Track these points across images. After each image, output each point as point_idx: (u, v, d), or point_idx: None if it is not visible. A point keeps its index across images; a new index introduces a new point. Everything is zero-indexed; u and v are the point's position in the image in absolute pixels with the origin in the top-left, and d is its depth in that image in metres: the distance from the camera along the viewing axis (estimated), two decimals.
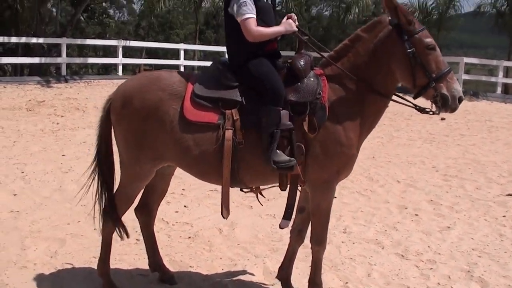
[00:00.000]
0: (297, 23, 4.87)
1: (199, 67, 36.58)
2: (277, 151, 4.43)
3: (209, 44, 56.52)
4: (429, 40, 4.59)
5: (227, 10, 4.75)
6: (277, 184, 4.72)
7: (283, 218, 4.78)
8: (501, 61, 29.54)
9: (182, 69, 29.79)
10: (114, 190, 5.01)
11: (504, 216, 7.68)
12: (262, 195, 4.95)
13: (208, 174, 4.69)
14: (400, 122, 16.94)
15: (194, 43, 41.01)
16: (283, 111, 4.49)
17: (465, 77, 27.12)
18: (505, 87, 31.36)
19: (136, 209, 5.26)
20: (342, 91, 4.72)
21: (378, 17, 4.88)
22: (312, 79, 4.67)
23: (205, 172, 4.68)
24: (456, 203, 8.25)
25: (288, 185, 4.71)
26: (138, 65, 33.50)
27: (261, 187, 4.90)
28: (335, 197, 6.08)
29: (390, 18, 4.67)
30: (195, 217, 7.15)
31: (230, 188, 4.63)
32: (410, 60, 4.55)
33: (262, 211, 7.39)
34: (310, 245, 4.88)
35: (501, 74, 27.97)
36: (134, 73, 33.34)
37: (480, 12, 37.87)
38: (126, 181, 4.87)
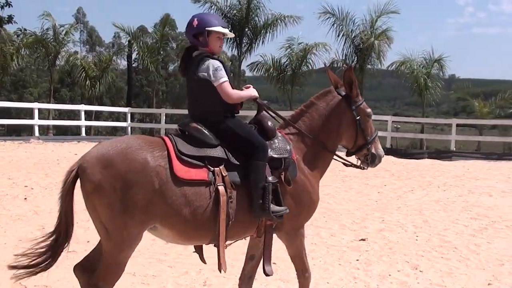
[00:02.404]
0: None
1: (55, 126, 35.76)
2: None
3: (64, 102, 55.42)
4: (369, 110, 5.79)
5: (194, 74, 5.10)
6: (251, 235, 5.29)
7: (266, 266, 5.19)
8: None
9: (36, 129, 28.99)
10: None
11: (357, 260, 8.01)
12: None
13: (197, 232, 4.82)
14: None
15: (49, 102, 40.09)
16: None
17: None
18: None
19: (77, 267, 5.03)
20: (303, 149, 5.47)
21: (328, 88, 5.82)
22: (280, 138, 5.28)
23: (195, 229, 4.77)
24: (312, 250, 8.46)
25: (264, 234, 5.15)
26: None
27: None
28: None
29: (337, 89, 5.73)
30: (54, 280, 6.90)
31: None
32: (356, 125, 5.63)
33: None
34: None
35: None
36: None
37: (332, 67, 39.46)
38: (114, 250, 4.62)
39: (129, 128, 35.35)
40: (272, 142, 5.15)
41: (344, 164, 5.91)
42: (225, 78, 5.03)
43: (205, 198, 4.70)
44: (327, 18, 37.43)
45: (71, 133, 43.01)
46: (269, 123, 5.27)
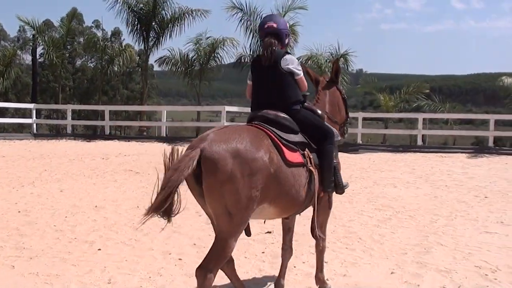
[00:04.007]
0: None
1: None
2: None
3: None
4: (344, 91, 7.05)
5: (279, 66, 5.78)
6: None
7: (318, 228, 6.07)
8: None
9: None
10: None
11: (263, 252, 8.08)
12: None
13: (294, 207, 5.56)
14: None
15: None
16: None
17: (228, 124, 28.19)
18: None
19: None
20: None
21: (322, 77, 7.02)
22: (327, 124, 6.16)
23: (294, 205, 5.52)
24: None
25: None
26: None
27: None
28: None
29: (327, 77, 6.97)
30: None
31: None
32: (345, 103, 6.97)
33: (24, 270, 7.12)
34: None
35: None
36: None
37: (241, 62, 39.39)
38: (232, 232, 4.91)
39: (35, 125, 34.30)
40: None
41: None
42: (302, 72, 5.94)
43: (303, 177, 5.43)
44: (235, 13, 37.45)
45: None
46: (318, 112, 6.13)
